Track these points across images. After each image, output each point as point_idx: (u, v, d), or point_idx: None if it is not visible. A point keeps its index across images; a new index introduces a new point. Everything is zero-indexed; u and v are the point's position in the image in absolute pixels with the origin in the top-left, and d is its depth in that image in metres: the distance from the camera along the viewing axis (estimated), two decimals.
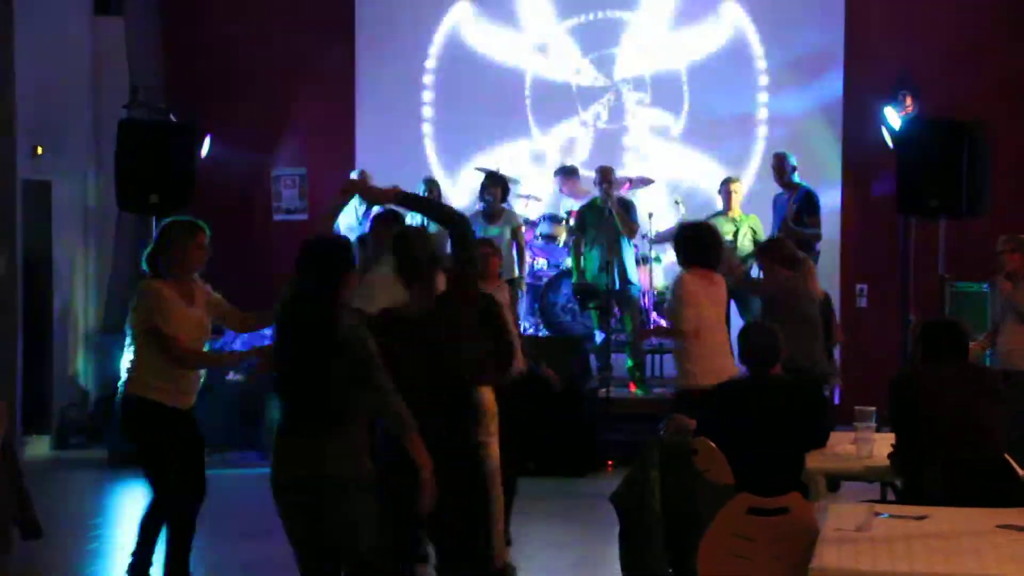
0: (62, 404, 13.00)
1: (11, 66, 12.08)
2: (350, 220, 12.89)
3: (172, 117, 13.06)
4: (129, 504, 10.79)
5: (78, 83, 13.51)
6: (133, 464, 11.33)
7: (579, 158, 13.92)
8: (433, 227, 9.43)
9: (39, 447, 12.52)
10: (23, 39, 12.19)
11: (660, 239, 13.18)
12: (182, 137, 12.34)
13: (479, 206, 12.70)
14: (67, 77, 13.31)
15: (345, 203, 6.89)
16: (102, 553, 9.02)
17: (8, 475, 8.39)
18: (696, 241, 8.59)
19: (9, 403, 8.72)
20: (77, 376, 13.30)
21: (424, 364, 6.02)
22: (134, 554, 7.25)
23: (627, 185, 13.09)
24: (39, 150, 12.63)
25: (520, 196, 13.42)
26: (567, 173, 13.51)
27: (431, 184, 12.73)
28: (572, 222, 12.89)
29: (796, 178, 12.48)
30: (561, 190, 13.50)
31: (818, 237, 12.39)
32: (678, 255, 8.76)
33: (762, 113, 13.85)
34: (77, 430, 12.90)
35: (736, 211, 12.62)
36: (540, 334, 12.93)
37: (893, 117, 12.50)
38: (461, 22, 14.30)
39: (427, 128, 14.26)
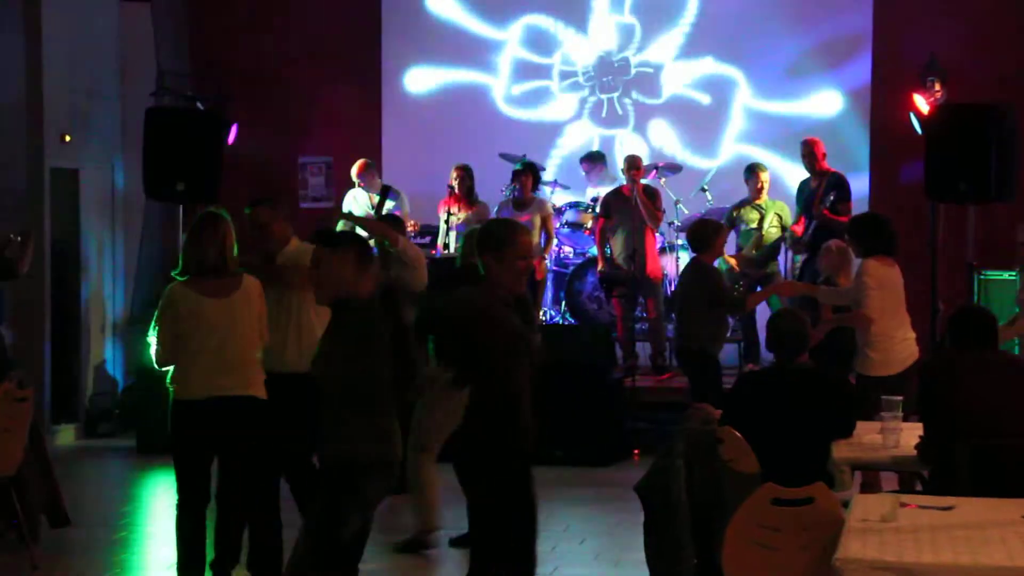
0: (90, 393, 13.05)
1: (39, 54, 12.14)
2: (366, 208, 12.87)
3: (199, 105, 13.07)
4: (158, 492, 10.84)
5: (106, 70, 13.54)
6: (161, 453, 11.47)
7: (609, 146, 13.89)
8: None
9: (67, 436, 12.57)
10: (50, 27, 12.25)
11: (686, 226, 13.13)
12: (209, 125, 12.34)
13: (509, 194, 12.68)
14: (95, 64, 13.34)
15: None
16: (131, 541, 9.06)
17: (37, 464, 8.46)
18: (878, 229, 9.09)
19: (37, 391, 8.76)
20: (105, 364, 13.35)
21: None
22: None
23: (653, 172, 13.06)
24: (67, 138, 12.67)
25: (547, 183, 13.40)
26: (593, 159, 13.50)
27: (463, 170, 12.65)
28: (598, 209, 12.87)
29: (824, 164, 12.42)
30: (587, 176, 13.47)
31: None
32: (860, 244, 9.03)
33: (789, 99, 13.78)
34: (105, 418, 12.94)
35: (763, 197, 12.55)
36: (565, 322, 12.92)
37: (921, 103, 12.42)
38: (488, 9, 14.30)
39: (454, 115, 14.23)
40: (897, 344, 8.85)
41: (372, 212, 12.82)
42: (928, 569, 4.81)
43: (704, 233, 9.93)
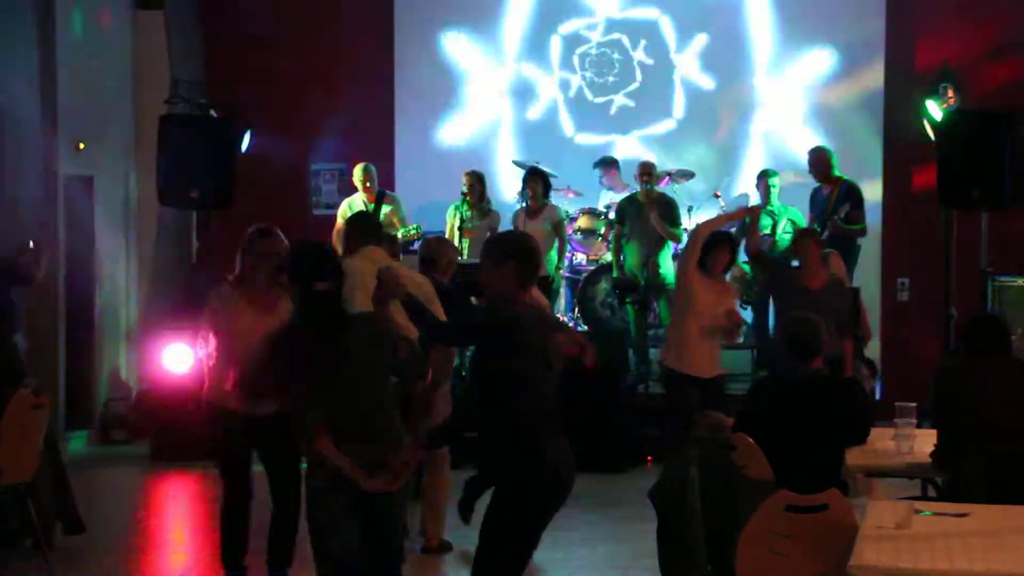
0: (104, 399, 13.07)
1: (53, 62, 12.18)
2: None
3: (212, 112, 13.11)
4: (172, 499, 10.87)
5: (119, 78, 13.59)
6: (174, 459, 11.50)
7: (621, 151, 13.89)
8: None
9: (81, 442, 12.59)
10: (64, 35, 12.29)
11: None
12: (222, 132, 12.41)
13: (520, 201, 12.68)
14: (109, 72, 13.38)
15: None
16: (145, 549, 9.06)
17: (51, 471, 8.47)
18: None
19: (52, 398, 8.77)
20: (119, 371, 13.38)
21: None
22: None
23: (666, 179, 13.05)
24: (81, 145, 12.70)
25: (559, 190, 13.40)
26: (607, 165, 13.49)
27: (475, 177, 12.65)
28: (611, 216, 12.87)
29: (836, 171, 12.40)
30: (601, 182, 13.47)
31: (863, 232, 12.30)
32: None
33: (802, 105, 13.78)
34: (119, 425, 12.97)
35: (775, 204, 12.56)
36: (578, 329, 12.91)
37: (934, 109, 12.41)
38: (500, 17, 14.32)
39: (466, 123, 14.24)
40: None
41: None
42: None
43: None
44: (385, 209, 12.85)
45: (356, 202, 12.94)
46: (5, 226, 10.38)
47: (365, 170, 12.93)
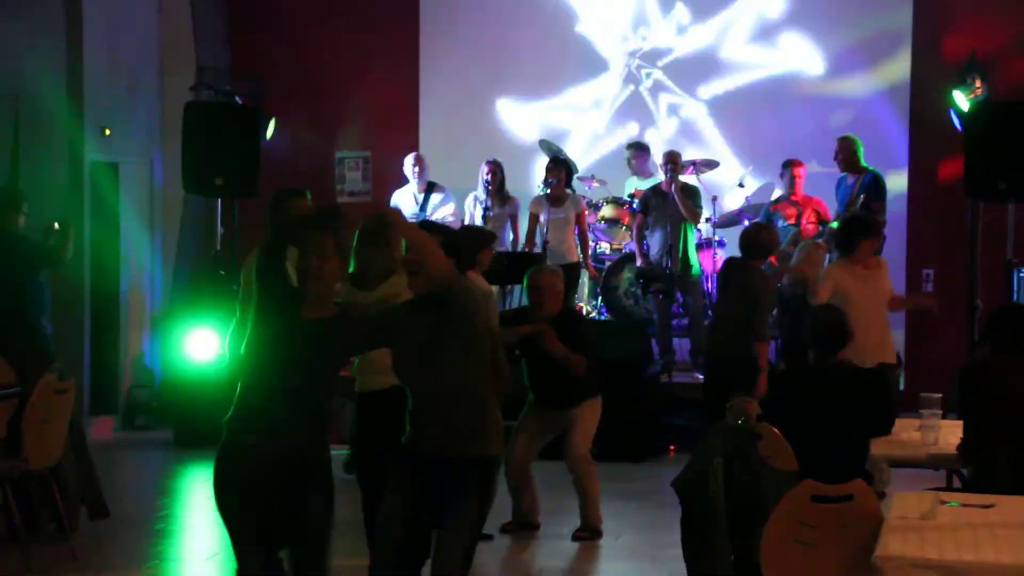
0: (128, 385, 13.12)
1: (80, 48, 12.21)
2: (411, 206, 12.89)
3: (237, 99, 13.12)
4: (196, 484, 10.91)
5: (145, 65, 13.61)
6: (198, 445, 11.53)
7: (647, 140, 13.87)
8: None
9: (105, 428, 12.63)
10: (91, 21, 12.32)
11: (724, 222, 13.10)
12: (247, 119, 12.42)
13: (543, 189, 12.68)
14: (135, 59, 13.41)
15: None
16: (168, 533, 9.09)
17: (76, 456, 8.51)
18: None
19: (76, 384, 8.80)
20: (143, 357, 13.42)
21: None
22: None
23: (691, 168, 13.02)
24: (107, 132, 12.73)
25: (583, 178, 13.39)
26: (639, 149, 13.46)
27: (495, 165, 12.67)
28: (635, 204, 12.84)
29: (862, 162, 12.35)
30: (630, 164, 13.43)
31: (883, 223, 12.24)
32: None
33: (828, 94, 13.73)
34: (143, 411, 13.01)
35: (799, 193, 12.52)
36: (602, 318, 12.91)
37: (961, 99, 12.34)
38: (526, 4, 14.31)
39: (491, 110, 14.24)
40: None
41: (417, 209, 12.87)
42: (969, 567, 4.79)
43: None
44: (434, 200, 12.92)
45: (404, 192, 12.99)
46: (32, 211, 10.40)
47: (417, 159, 12.99)
